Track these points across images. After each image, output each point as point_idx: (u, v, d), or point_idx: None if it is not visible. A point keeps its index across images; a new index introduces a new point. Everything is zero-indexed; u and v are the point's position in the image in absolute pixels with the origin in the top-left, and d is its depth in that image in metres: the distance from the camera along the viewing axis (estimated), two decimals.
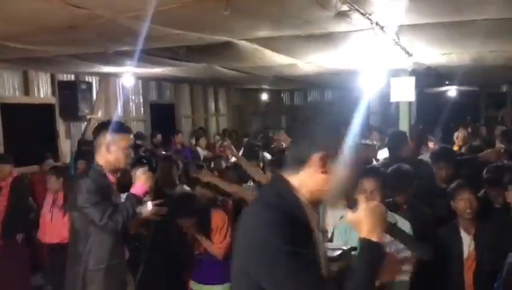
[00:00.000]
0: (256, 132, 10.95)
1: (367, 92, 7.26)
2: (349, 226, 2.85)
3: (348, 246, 2.04)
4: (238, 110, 13.33)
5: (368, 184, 2.73)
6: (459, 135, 6.65)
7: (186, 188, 4.23)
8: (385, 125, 11.48)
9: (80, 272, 2.71)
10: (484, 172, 3.60)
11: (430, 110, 12.14)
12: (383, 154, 5.89)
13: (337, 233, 2.87)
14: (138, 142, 7.36)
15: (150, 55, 5.32)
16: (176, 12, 2.91)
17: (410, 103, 7.82)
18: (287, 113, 14.77)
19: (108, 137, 2.77)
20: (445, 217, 3.46)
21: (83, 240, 2.73)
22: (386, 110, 12.38)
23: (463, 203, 3.12)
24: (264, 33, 4.18)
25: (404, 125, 7.77)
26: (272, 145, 7.60)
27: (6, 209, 4.63)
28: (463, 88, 11.75)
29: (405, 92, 7.16)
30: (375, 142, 7.72)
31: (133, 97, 9.55)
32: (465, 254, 3.08)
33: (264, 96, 13.15)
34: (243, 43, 4.67)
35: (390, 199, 3.35)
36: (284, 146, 7.12)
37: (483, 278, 2.93)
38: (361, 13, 3.35)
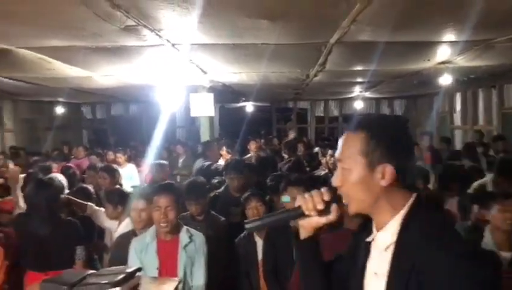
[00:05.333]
0: (52, 149, 9.91)
1: (170, 107, 7.36)
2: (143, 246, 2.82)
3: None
4: (28, 125, 11.85)
5: (162, 201, 2.71)
6: (251, 146, 7.25)
7: None
8: (190, 139, 11.87)
9: None
10: (268, 180, 4.00)
11: (231, 124, 13.06)
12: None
13: (132, 252, 2.77)
14: None
15: None
16: None
17: (210, 118, 8.24)
18: (89, 127, 13.88)
19: None
20: (238, 223, 3.69)
21: None
22: (192, 124, 12.78)
23: (251, 211, 3.39)
24: (47, 42, 3.81)
25: (205, 138, 8.13)
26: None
27: None
28: (257, 104, 12.97)
29: (204, 107, 7.50)
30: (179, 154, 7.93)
31: None
32: (260, 257, 3.32)
33: (60, 110, 12.03)
34: (24, 52, 4.17)
35: (187, 213, 3.43)
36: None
37: (273, 278, 3.20)
38: (150, 29, 3.35)
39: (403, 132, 1.27)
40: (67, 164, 6.62)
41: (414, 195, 1.23)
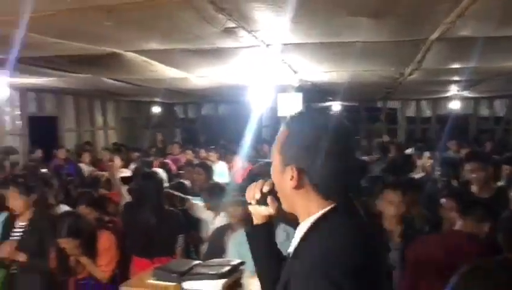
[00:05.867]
0: (149, 146, 10.61)
1: (258, 106, 7.50)
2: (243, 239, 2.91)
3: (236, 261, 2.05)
4: (128, 123, 12.80)
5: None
6: None
7: (65, 207, 3.92)
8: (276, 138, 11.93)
9: None
10: (363, 182, 3.92)
11: None
12: None
13: (231, 246, 2.88)
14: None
15: (26, 64, 4.88)
16: (52, 20, 2.70)
17: None
18: (181, 126, 14.60)
19: None
20: None
21: None
22: (277, 123, 12.90)
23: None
24: (152, 45, 4.08)
25: None
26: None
27: None
28: (345, 103, 12.72)
29: (292, 106, 7.52)
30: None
31: (8, 109, 8.66)
32: None
33: (156, 109, 12.83)
34: (131, 55, 4.51)
35: None
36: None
37: None
38: (247, 31, 3.44)
39: (327, 134, 1.10)
40: (164, 160, 7.06)
41: (332, 205, 1.12)
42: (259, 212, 1.36)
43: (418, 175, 5.03)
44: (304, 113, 1.23)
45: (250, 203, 1.35)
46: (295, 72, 5.93)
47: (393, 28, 3.50)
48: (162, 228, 3.47)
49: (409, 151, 7.91)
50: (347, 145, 1.14)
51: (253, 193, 1.33)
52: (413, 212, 3.35)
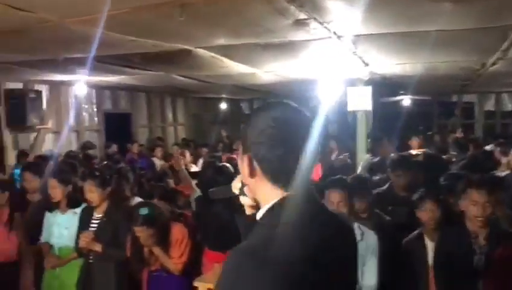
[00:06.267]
0: (216, 141, 10.80)
1: (325, 101, 7.34)
2: None
3: None
4: (196, 119, 13.14)
5: (334, 196, 2.68)
6: (413, 143, 6.80)
7: (139, 200, 4.05)
8: (343, 134, 11.68)
9: None
10: (442, 179, 3.66)
11: (385, 119, 12.45)
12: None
13: None
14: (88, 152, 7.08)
15: (102, 63, 5.12)
16: (127, 18, 2.78)
17: (367, 112, 7.95)
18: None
19: None
20: (403, 224, 3.48)
21: None
22: (344, 119, 12.59)
23: (426, 214, 3.13)
24: (222, 41, 4.09)
25: (361, 134, 7.87)
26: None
27: None
28: (416, 97, 12.13)
29: (362, 101, 7.27)
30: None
31: (86, 106, 9.21)
32: (430, 261, 3.09)
33: (223, 106, 13.04)
34: (201, 51, 4.56)
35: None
36: None
37: (443, 285, 2.94)
38: (319, 22, 3.33)
39: (276, 125, 1.13)
40: (231, 156, 7.13)
41: (284, 195, 1.14)
42: (245, 203, 1.38)
43: (502, 173, 4.64)
44: (262, 106, 1.25)
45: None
46: (366, 64, 5.71)
47: (479, 14, 3.23)
48: (234, 221, 3.47)
49: (488, 147, 7.36)
50: (295, 135, 1.14)
51: (236, 183, 1.37)
52: (498, 213, 3.10)
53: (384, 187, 4.18)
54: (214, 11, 2.88)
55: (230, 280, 1.05)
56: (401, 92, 10.94)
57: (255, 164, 1.16)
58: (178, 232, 3.47)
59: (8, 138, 7.33)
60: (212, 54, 4.74)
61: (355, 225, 2.74)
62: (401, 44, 4.37)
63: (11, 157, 7.23)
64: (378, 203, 3.75)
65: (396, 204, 3.82)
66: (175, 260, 3.41)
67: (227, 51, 4.60)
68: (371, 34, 3.98)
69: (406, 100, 12.08)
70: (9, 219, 4.17)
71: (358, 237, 2.71)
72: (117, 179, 4.05)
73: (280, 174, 1.15)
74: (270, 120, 1.15)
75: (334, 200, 2.66)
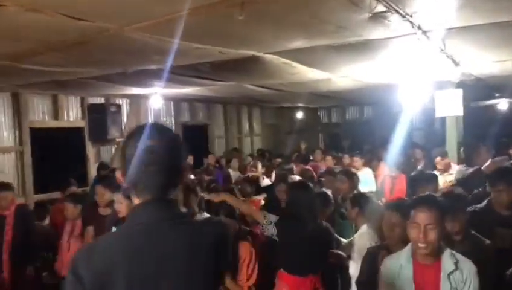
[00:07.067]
0: (292, 151, 10.51)
1: (409, 107, 6.77)
2: None
3: None
4: (272, 129, 13.00)
5: (421, 217, 2.20)
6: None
7: (206, 215, 3.86)
8: (429, 142, 10.78)
9: None
10: None
11: (477, 126, 11.29)
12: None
13: (383, 274, 2.39)
14: None
15: (173, 74, 5.07)
16: (185, 22, 2.58)
17: (458, 118, 7.19)
18: (324, 131, 14.27)
19: None
20: (508, 250, 2.93)
21: None
22: (430, 126, 11.71)
23: None
24: (292, 44, 3.81)
25: (451, 142, 7.16)
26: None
27: (13, 239, 4.34)
28: None
29: (452, 106, 6.64)
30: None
31: (164, 119, 9.43)
32: None
33: (300, 115, 12.77)
34: (269, 57, 4.31)
35: None
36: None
37: None
38: (401, 14, 2.90)
39: (132, 142, 1.32)
40: (305, 167, 6.77)
41: (140, 201, 1.36)
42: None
43: None
44: (136, 127, 1.38)
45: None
46: (457, 64, 5.08)
47: None
48: (314, 241, 3.16)
49: None
50: (146, 149, 1.30)
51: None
52: None
53: (482, 204, 3.58)
54: (276, 8, 2.59)
55: None
56: (497, 94, 9.86)
57: (123, 177, 1.39)
58: (244, 251, 3.24)
59: (90, 151, 7.64)
60: (283, 60, 4.47)
61: (447, 252, 2.27)
62: (502, 37, 3.76)
63: (93, 170, 7.52)
64: (475, 224, 3.19)
65: (498, 225, 3.24)
66: (241, 283, 3.18)
67: (298, 55, 4.29)
68: (464, 27, 3.46)
69: (502, 103, 10.89)
70: (81, 232, 4.20)
71: (451, 267, 2.24)
72: (185, 194, 3.90)
73: (133, 185, 1.38)
74: (128, 139, 1.36)
75: (422, 222, 2.20)
